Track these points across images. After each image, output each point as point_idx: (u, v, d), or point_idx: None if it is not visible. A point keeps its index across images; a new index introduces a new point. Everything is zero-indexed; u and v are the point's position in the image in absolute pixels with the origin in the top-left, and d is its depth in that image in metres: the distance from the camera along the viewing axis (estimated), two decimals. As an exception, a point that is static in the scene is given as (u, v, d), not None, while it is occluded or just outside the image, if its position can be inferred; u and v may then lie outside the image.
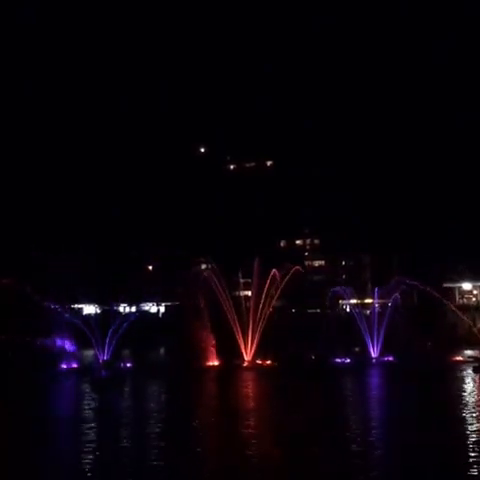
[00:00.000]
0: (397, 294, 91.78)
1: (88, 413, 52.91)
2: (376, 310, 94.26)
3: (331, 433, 42.52)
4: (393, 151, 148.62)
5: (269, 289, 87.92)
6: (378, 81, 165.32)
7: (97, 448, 39.62)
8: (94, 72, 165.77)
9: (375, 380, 76.70)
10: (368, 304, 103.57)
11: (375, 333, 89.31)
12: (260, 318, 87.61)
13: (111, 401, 60.05)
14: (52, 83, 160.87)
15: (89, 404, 57.67)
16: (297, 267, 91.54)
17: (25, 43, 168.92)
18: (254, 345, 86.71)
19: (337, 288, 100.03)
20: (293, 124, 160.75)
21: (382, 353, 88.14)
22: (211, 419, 49.24)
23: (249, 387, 67.33)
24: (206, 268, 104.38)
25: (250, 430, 43.77)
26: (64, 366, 79.97)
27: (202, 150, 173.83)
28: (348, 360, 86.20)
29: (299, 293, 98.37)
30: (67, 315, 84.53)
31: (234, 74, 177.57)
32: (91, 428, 46.32)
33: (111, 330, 79.32)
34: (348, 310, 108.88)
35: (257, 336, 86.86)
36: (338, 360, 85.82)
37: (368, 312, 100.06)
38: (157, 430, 45.34)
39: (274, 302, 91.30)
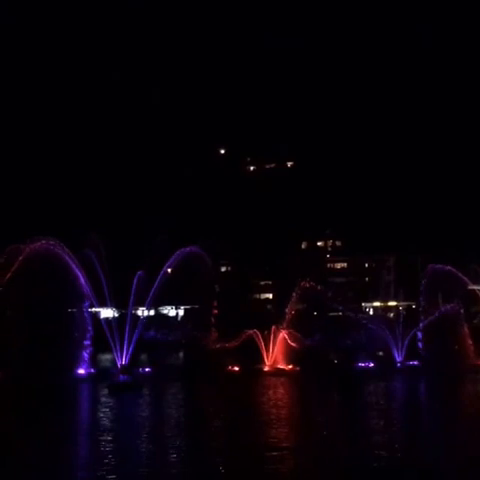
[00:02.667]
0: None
1: (105, 420, 51.42)
2: (401, 312, 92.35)
3: (354, 450, 40.00)
4: (419, 151, 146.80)
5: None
6: (402, 79, 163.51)
7: (115, 457, 38.04)
8: (117, 68, 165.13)
9: (400, 385, 74.74)
10: (392, 307, 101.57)
11: (399, 336, 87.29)
12: (281, 321, 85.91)
13: (129, 407, 58.61)
14: (69, 76, 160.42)
15: (106, 410, 56.25)
16: (311, 284, 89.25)
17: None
18: (275, 349, 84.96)
19: None
20: (314, 124, 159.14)
21: (407, 357, 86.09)
22: (231, 428, 47.33)
23: (270, 393, 65.50)
24: (226, 271, 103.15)
25: (272, 439, 41.85)
26: (82, 371, 78.59)
27: (222, 151, 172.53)
28: (372, 364, 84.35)
29: (321, 296, 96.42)
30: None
31: (255, 75, 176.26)
32: (109, 434, 44.84)
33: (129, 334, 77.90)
34: (371, 313, 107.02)
35: (278, 340, 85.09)
36: (361, 364, 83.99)
37: (391, 315, 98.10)
38: (175, 439, 43.60)
39: (295, 305, 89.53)
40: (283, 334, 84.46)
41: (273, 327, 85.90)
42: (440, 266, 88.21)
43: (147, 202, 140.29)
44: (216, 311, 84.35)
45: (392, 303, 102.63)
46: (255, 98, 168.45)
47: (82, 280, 74.04)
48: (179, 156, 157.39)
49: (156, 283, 77.23)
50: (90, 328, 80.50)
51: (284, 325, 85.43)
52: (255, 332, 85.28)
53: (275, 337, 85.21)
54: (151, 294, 77.85)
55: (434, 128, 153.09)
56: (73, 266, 73.64)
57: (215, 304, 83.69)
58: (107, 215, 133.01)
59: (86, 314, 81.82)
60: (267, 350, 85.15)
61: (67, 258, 73.15)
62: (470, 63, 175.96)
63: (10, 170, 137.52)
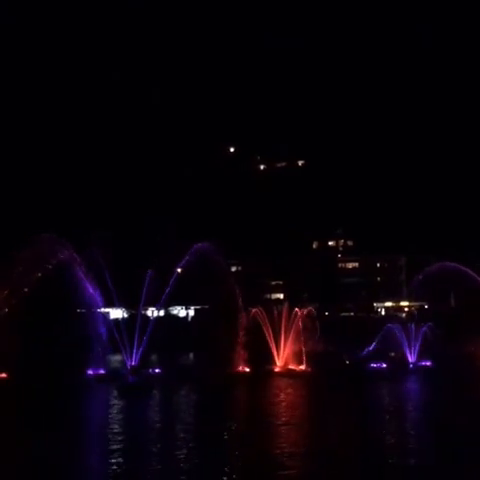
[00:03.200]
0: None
1: (115, 422, 50.72)
2: (413, 312, 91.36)
3: (368, 455, 38.97)
4: (430, 151, 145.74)
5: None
6: (402, 79, 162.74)
7: (124, 460, 37.31)
8: (117, 68, 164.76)
9: (414, 386, 73.77)
10: (404, 307, 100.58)
11: (412, 337, 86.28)
12: (292, 322, 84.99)
13: (139, 409, 57.92)
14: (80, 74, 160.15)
15: (116, 412, 55.57)
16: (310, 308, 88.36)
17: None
18: (286, 350, 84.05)
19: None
20: (325, 123, 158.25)
21: (420, 358, 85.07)
22: (242, 432, 46.42)
23: (281, 395, 64.62)
24: (236, 270, 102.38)
25: (284, 444, 40.97)
26: (91, 372, 77.92)
27: (231, 150, 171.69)
28: (384, 365, 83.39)
29: (332, 296, 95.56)
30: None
31: (255, 75, 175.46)
32: (118, 435, 44.12)
33: (139, 335, 77.22)
34: (383, 313, 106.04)
35: (289, 340, 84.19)
36: (374, 365, 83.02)
37: (403, 315, 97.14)
38: (186, 442, 42.80)
39: (306, 305, 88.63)
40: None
41: (283, 327, 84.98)
42: (451, 264, 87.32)
43: (149, 202, 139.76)
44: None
45: (404, 303, 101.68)
46: (264, 96, 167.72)
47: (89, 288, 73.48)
48: (180, 155, 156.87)
49: (171, 282, 76.53)
50: (100, 329, 79.92)
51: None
52: (259, 310, 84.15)
53: (286, 337, 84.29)
54: (166, 293, 77.24)
55: (434, 128, 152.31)
56: (78, 269, 73.06)
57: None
58: (107, 215, 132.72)
59: (95, 314, 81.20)
60: (278, 350, 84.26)
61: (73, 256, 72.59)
62: (470, 63, 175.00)
63: (11, 170, 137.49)
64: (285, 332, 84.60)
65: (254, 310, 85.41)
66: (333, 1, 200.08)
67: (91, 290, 75.57)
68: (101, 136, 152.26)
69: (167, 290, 76.83)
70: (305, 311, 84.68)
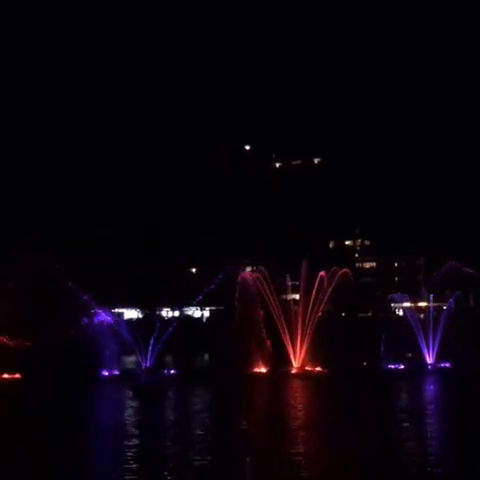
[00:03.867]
0: (451, 300, 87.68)
1: (130, 423, 50.02)
2: (431, 313, 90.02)
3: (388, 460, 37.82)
4: (449, 150, 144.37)
5: (317, 293, 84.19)
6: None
7: (139, 463, 36.58)
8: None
9: (432, 388, 72.60)
10: (422, 307, 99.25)
11: (430, 338, 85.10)
12: (309, 323, 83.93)
13: (154, 410, 57.21)
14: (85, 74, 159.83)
15: (131, 413, 54.89)
16: (345, 270, 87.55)
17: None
18: (303, 351, 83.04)
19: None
20: (341, 119, 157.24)
21: (438, 359, 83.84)
22: (258, 436, 45.34)
23: (298, 397, 63.69)
24: (252, 270, 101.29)
25: (300, 449, 39.94)
26: (105, 373, 77.38)
27: (247, 148, 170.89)
28: (402, 366, 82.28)
29: (349, 296, 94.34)
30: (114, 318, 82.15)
31: (266, 74, 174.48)
32: (133, 437, 43.35)
33: (154, 336, 76.59)
34: (401, 314, 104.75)
35: (306, 341, 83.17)
36: (391, 366, 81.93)
37: (422, 316, 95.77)
38: (201, 444, 41.92)
39: (323, 306, 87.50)
40: (311, 335, 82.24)
41: (300, 328, 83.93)
42: (461, 267, 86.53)
43: (149, 202, 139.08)
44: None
45: (422, 303, 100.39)
46: (279, 93, 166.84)
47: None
48: (201, 154, 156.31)
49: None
50: (114, 329, 79.37)
51: (312, 326, 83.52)
52: (275, 310, 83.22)
53: (303, 338, 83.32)
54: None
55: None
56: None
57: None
58: (108, 215, 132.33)
59: (109, 315, 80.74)
60: (294, 351, 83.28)
61: None
62: (470, 63, 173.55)
63: (10, 171, 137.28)
64: (302, 333, 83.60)
65: (270, 310, 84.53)
66: (333, 1, 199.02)
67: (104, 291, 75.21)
68: (101, 136, 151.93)
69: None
70: (339, 272, 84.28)
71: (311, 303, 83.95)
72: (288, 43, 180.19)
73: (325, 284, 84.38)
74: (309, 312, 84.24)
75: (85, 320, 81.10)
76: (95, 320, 77.60)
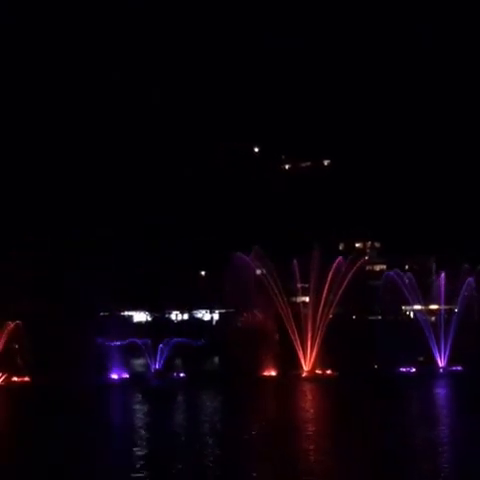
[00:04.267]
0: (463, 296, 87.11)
1: (140, 428, 49.50)
2: (442, 316, 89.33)
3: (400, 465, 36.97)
4: (461, 149, 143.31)
5: (333, 278, 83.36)
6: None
7: (149, 469, 36.08)
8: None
9: (444, 391, 71.88)
10: (433, 310, 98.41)
11: (442, 341, 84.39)
12: (319, 325, 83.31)
13: (164, 414, 56.70)
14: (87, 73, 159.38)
15: (140, 418, 54.38)
16: (364, 259, 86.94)
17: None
18: (313, 354, 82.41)
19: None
20: (351, 121, 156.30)
21: (450, 362, 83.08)
22: (268, 441, 44.56)
23: (308, 401, 63.09)
24: (261, 273, 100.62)
25: (311, 457, 39.24)
26: (115, 376, 77.01)
27: (256, 150, 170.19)
28: (413, 370, 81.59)
29: (359, 299, 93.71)
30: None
31: (279, 72, 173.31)
32: (143, 440, 42.88)
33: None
34: (412, 316, 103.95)
35: (316, 344, 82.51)
36: (402, 370, 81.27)
37: (433, 319, 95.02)
38: (211, 449, 41.33)
39: (333, 309, 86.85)
40: (321, 337, 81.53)
41: (310, 330, 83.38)
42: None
43: (178, 205, 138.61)
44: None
45: (434, 306, 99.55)
46: (288, 94, 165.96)
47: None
48: (208, 155, 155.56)
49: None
50: (124, 332, 79.10)
51: (322, 328, 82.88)
52: (285, 313, 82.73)
53: (313, 341, 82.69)
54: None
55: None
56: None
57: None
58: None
59: (119, 318, 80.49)
60: (304, 354, 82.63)
61: None
62: (470, 63, 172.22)
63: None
64: (312, 336, 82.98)
65: (280, 313, 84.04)
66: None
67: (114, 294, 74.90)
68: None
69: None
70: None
71: (324, 295, 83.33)
72: (288, 43, 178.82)
73: (342, 269, 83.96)
74: (319, 314, 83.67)
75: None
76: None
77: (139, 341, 78.52)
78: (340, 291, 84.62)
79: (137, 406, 62.01)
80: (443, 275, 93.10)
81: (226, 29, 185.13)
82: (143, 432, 47.33)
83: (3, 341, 78.80)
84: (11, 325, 79.45)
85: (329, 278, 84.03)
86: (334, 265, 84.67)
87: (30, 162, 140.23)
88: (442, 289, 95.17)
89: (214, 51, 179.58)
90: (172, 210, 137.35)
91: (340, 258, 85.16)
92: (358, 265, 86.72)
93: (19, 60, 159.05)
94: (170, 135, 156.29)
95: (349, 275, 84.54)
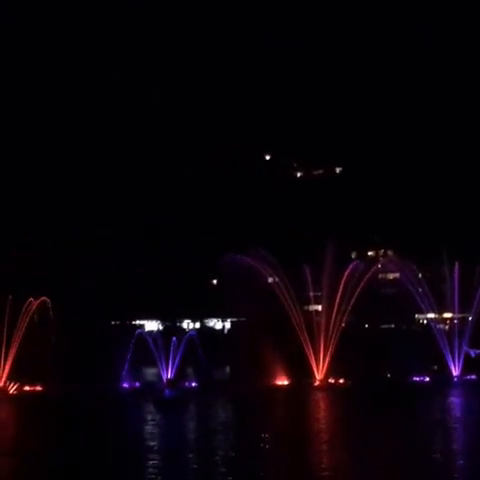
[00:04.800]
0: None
1: (151, 437, 49.11)
2: (456, 325, 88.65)
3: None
4: (472, 153, 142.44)
5: (348, 281, 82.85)
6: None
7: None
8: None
9: (459, 401, 71.12)
10: (447, 319, 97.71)
11: (456, 349, 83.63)
12: (332, 334, 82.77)
13: (176, 424, 56.31)
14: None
15: (153, 428, 53.96)
16: (376, 267, 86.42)
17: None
18: (326, 363, 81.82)
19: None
20: (363, 128, 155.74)
21: (464, 371, 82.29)
22: (281, 453, 44.04)
23: (321, 411, 62.55)
24: (273, 281, 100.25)
25: (323, 468, 38.73)
26: (126, 385, 76.66)
27: (267, 158, 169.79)
28: (427, 379, 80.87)
29: (372, 307, 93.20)
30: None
31: (288, 74, 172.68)
32: (155, 451, 42.43)
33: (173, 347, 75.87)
34: (425, 324, 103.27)
35: (329, 353, 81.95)
36: (416, 379, 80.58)
37: (447, 327, 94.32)
38: (225, 461, 40.89)
39: (346, 317, 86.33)
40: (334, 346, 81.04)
41: (323, 339, 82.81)
42: None
43: (188, 213, 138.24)
44: None
45: (447, 315, 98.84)
46: (300, 101, 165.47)
47: None
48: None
49: None
50: (135, 341, 78.82)
51: (335, 337, 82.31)
52: (297, 321, 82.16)
53: (325, 349, 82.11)
54: None
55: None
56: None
57: None
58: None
59: (130, 327, 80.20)
60: (317, 363, 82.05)
61: None
62: (470, 63, 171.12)
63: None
64: (324, 344, 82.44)
65: (292, 321, 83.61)
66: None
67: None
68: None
69: None
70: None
71: (337, 303, 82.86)
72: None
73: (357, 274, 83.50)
74: (332, 322, 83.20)
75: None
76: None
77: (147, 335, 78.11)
78: (353, 299, 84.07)
79: (149, 415, 61.67)
80: (457, 283, 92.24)
81: (226, 29, 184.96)
82: (156, 443, 46.92)
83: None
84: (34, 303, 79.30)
85: (342, 285, 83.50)
86: (348, 270, 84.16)
87: (30, 162, 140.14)
88: (456, 297, 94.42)
89: (214, 51, 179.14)
90: (172, 210, 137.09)
91: (356, 262, 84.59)
92: (371, 272, 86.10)
93: (19, 60, 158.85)
94: (170, 135, 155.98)
95: (362, 283, 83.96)
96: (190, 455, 42.55)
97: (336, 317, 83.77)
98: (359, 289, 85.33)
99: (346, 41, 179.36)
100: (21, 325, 78.75)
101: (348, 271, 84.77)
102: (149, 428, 54.04)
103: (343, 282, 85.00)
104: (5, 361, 75.80)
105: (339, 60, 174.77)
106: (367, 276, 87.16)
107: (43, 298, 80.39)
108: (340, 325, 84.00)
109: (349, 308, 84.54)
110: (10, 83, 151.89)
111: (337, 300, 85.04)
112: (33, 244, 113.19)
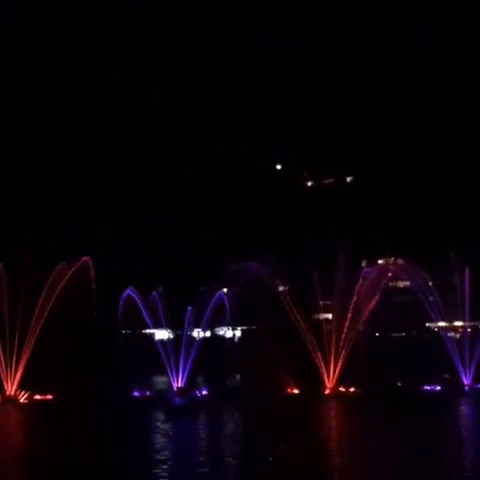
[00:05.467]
0: None
1: (162, 447, 49.06)
2: (468, 333, 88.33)
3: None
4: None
5: (360, 289, 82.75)
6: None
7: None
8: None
9: (471, 411, 70.77)
10: (458, 327, 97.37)
11: (467, 358, 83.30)
12: (342, 343, 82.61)
13: (187, 433, 56.25)
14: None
15: (163, 437, 53.88)
16: (388, 277, 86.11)
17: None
18: (336, 371, 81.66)
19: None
20: (374, 137, 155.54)
21: (475, 380, 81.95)
22: (293, 463, 43.92)
23: (332, 420, 62.36)
24: (283, 290, 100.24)
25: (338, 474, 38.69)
26: (137, 394, 76.70)
27: (278, 167, 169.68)
28: (438, 388, 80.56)
29: (382, 316, 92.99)
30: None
31: (301, 82, 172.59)
32: (165, 460, 42.38)
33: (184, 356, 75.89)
34: (436, 333, 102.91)
35: (339, 362, 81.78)
36: (427, 388, 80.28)
37: (458, 336, 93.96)
38: (233, 469, 40.82)
39: (356, 326, 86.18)
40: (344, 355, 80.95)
41: (333, 347, 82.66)
42: None
43: (198, 222, 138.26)
44: None
45: (458, 323, 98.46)
46: (310, 110, 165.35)
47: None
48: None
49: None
50: (146, 350, 78.86)
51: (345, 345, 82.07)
52: (307, 330, 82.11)
53: (336, 358, 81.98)
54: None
55: (443, 135, 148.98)
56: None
57: None
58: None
59: (141, 336, 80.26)
60: (327, 371, 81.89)
61: None
62: (470, 63, 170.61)
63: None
64: (335, 353, 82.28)
65: (301, 330, 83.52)
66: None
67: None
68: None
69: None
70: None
71: (348, 312, 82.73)
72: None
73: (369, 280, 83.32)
74: (343, 331, 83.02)
75: None
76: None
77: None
78: (367, 309, 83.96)
79: (159, 424, 61.63)
80: (467, 291, 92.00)
81: (226, 29, 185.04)
82: (167, 452, 46.88)
83: None
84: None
85: (355, 293, 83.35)
86: (360, 278, 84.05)
87: (30, 162, 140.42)
88: (467, 305, 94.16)
89: (214, 51, 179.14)
90: (172, 210, 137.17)
91: (367, 270, 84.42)
92: (383, 280, 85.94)
93: (19, 60, 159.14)
94: (170, 135, 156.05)
95: (375, 292, 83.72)
96: (200, 464, 42.47)
97: (347, 325, 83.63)
98: (374, 298, 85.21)
99: (346, 41, 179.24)
100: (31, 337, 78.86)
101: (360, 280, 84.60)
102: (159, 437, 53.95)
103: (355, 291, 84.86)
104: (16, 370, 75.89)
105: (339, 61, 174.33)
106: (380, 284, 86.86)
107: None
108: (351, 333, 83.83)
109: (361, 317, 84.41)
110: (10, 83, 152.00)
111: (349, 309, 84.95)
112: (33, 244, 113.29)
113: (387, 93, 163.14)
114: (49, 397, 75.88)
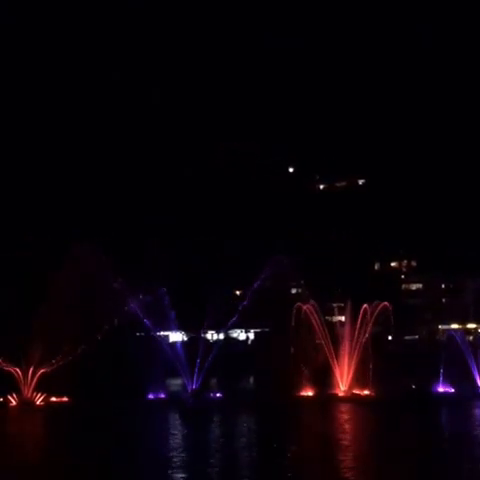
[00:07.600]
0: None
1: (178, 448, 49.40)
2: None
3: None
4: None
5: (362, 325, 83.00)
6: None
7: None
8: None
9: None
10: (471, 329, 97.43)
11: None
12: (356, 345, 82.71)
13: (201, 434, 56.64)
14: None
15: (178, 439, 54.26)
16: (385, 303, 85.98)
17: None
18: (350, 374, 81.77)
19: None
20: (386, 139, 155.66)
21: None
22: (308, 466, 44.18)
23: (346, 422, 62.52)
24: (297, 293, 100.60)
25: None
26: (151, 396, 77.05)
27: (290, 170, 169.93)
28: (452, 390, 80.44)
29: (396, 319, 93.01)
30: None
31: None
32: (180, 463, 42.70)
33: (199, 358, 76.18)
34: (449, 335, 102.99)
35: (353, 364, 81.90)
36: (441, 390, 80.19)
37: (471, 338, 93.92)
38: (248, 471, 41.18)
39: (370, 328, 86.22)
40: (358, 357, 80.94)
41: (347, 350, 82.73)
42: None
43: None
44: None
45: (471, 325, 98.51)
46: (322, 113, 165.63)
47: None
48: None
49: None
50: (160, 352, 79.17)
51: (359, 348, 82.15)
52: (322, 332, 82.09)
53: (350, 361, 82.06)
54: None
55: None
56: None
57: None
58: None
59: (155, 338, 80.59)
60: (341, 374, 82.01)
61: None
62: (470, 63, 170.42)
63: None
64: (349, 355, 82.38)
65: (316, 332, 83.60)
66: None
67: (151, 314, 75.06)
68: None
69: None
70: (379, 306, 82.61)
71: (357, 329, 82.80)
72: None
73: (368, 316, 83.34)
74: (356, 335, 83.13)
75: None
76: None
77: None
78: (376, 312, 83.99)
79: (175, 426, 62.03)
80: None
81: (226, 29, 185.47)
82: (182, 454, 47.21)
83: None
84: None
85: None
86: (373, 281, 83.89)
87: (30, 162, 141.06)
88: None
89: (214, 51, 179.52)
90: (172, 210, 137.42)
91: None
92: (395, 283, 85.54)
93: (19, 60, 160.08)
94: (170, 135, 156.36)
95: (388, 295, 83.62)
96: (214, 465, 42.84)
97: (360, 328, 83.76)
98: (386, 301, 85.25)
99: (347, 41, 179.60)
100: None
101: (372, 282, 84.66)
102: (174, 439, 54.33)
103: (368, 293, 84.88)
104: (34, 373, 76.37)
105: (339, 61, 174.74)
106: (392, 287, 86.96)
107: None
108: (364, 336, 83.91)
109: (374, 319, 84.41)
110: (10, 83, 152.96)
111: (361, 311, 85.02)
112: (33, 244, 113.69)
113: (388, 93, 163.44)
114: (65, 399, 76.31)
